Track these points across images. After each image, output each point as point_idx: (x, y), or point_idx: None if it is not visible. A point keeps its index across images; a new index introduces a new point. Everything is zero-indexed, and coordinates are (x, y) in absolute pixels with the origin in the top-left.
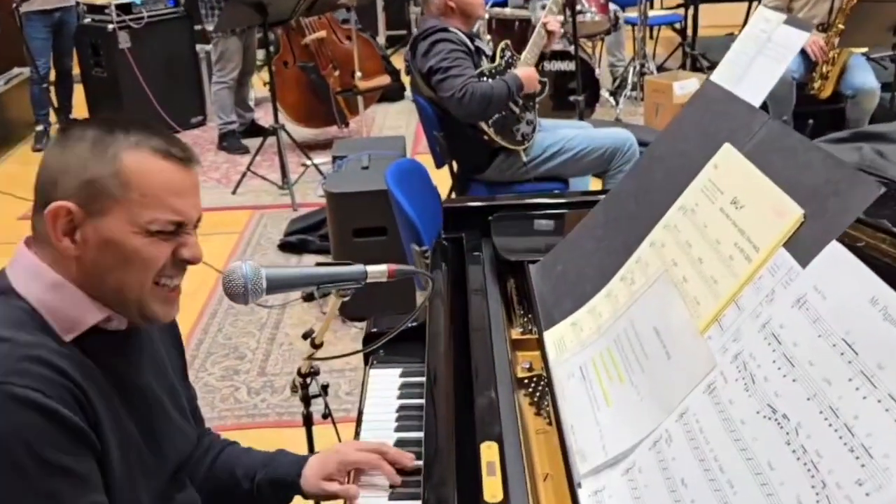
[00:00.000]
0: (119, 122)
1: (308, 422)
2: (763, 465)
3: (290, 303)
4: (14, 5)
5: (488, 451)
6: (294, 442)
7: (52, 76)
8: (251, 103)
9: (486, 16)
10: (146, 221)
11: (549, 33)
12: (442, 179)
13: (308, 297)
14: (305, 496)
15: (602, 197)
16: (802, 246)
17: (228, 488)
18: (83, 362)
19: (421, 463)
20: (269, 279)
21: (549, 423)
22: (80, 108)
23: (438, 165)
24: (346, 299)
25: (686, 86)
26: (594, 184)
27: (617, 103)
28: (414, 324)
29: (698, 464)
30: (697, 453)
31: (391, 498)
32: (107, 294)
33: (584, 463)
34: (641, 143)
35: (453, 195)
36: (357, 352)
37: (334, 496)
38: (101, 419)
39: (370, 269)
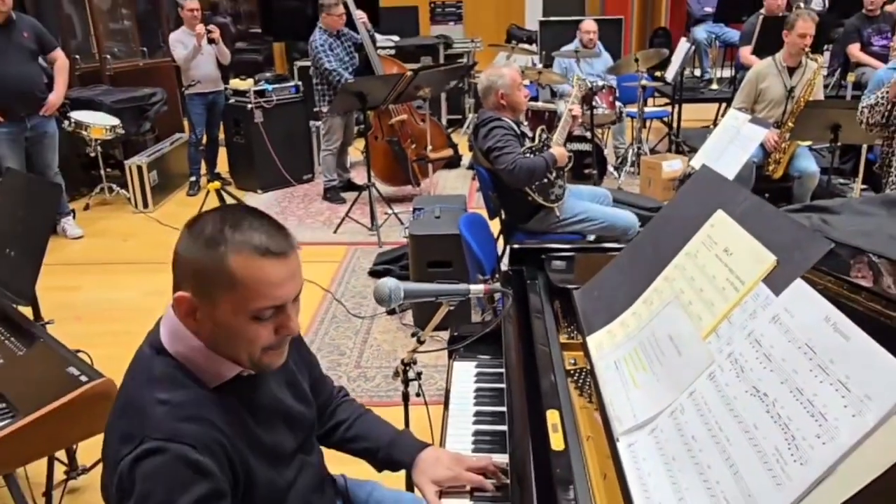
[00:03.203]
0: (230, 219)
1: (406, 399)
2: (750, 426)
3: (377, 315)
4: (182, 89)
5: (552, 416)
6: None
7: (204, 141)
8: (349, 166)
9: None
10: (251, 310)
11: (574, 118)
12: (492, 228)
13: (391, 312)
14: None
15: (624, 247)
16: (776, 282)
17: (355, 451)
18: (224, 403)
19: (506, 479)
20: (406, 291)
21: (590, 401)
22: (222, 165)
23: (491, 218)
24: (452, 308)
25: (672, 165)
26: None
27: (619, 176)
28: (487, 329)
29: (704, 425)
30: (703, 419)
31: (473, 500)
32: (228, 358)
33: (620, 426)
34: (640, 207)
35: (501, 240)
36: (445, 348)
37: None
38: (239, 448)
39: (472, 287)
